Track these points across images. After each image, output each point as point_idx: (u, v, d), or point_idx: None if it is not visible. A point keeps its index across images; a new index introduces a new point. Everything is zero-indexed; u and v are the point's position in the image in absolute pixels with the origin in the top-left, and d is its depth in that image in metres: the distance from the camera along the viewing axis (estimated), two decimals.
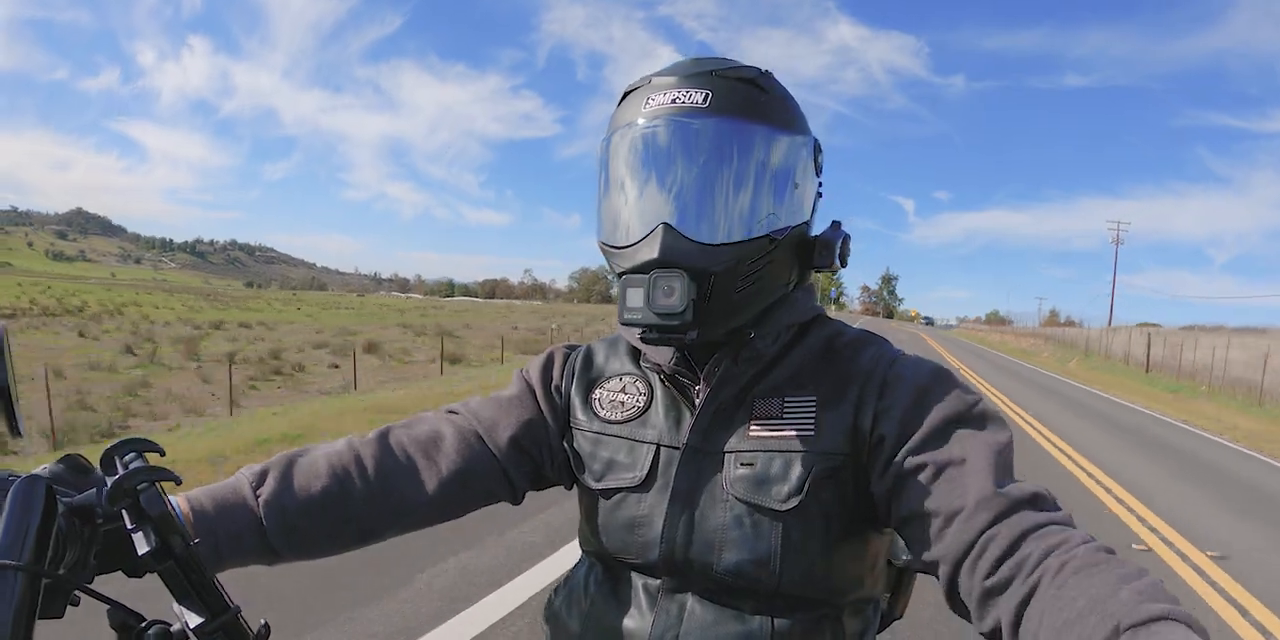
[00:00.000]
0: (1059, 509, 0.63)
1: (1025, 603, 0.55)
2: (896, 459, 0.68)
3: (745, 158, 0.70)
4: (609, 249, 0.74)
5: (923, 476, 0.66)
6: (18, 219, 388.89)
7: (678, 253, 0.68)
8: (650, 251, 0.68)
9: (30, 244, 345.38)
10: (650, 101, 0.72)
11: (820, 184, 0.79)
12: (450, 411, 0.85)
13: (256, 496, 0.70)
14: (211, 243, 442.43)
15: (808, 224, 0.77)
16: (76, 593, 0.51)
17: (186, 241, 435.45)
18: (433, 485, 0.77)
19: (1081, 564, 0.54)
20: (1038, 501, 0.62)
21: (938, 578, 0.65)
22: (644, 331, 0.69)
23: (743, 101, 0.71)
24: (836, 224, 0.78)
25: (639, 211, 0.71)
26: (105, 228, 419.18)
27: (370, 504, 0.74)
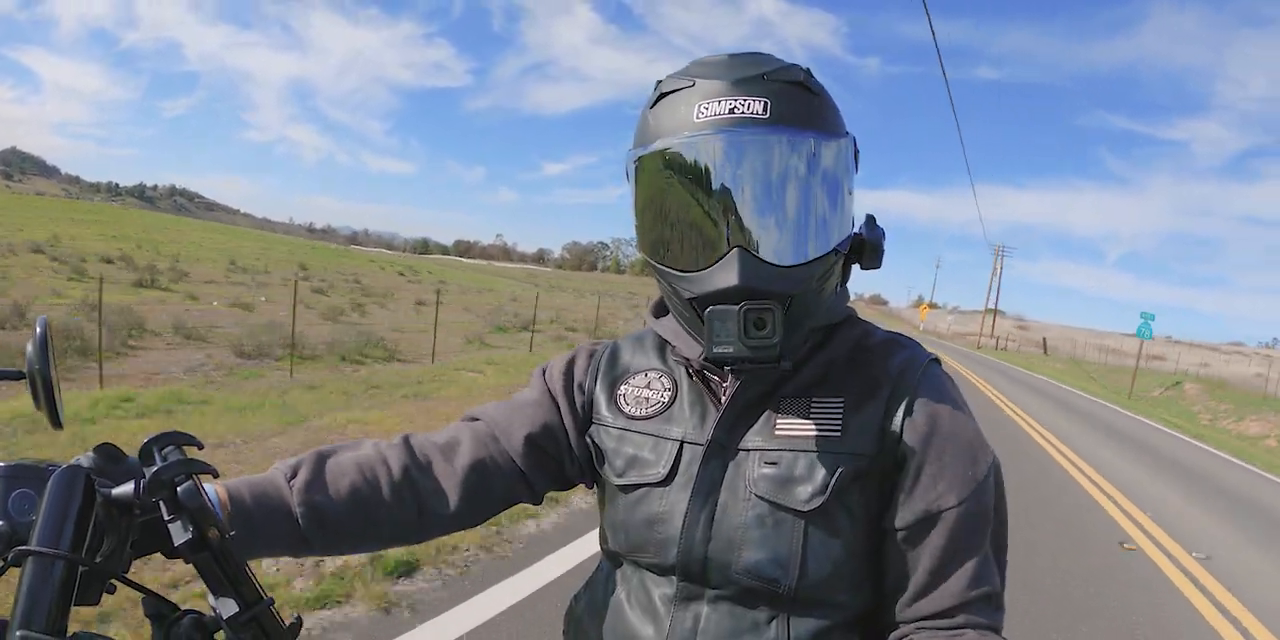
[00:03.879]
0: (1000, 610, 0.70)
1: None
2: (899, 498, 0.71)
3: (811, 173, 0.69)
4: (668, 270, 0.72)
5: (913, 539, 0.70)
6: None
7: (758, 278, 0.67)
8: (728, 278, 0.67)
9: None
10: (702, 110, 0.68)
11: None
12: (471, 418, 0.86)
13: (290, 487, 0.72)
14: (155, 187, 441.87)
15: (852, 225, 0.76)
16: (112, 581, 0.53)
17: (131, 186, 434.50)
18: (452, 486, 0.79)
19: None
20: (991, 601, 0.70)
21: (887, 604, 0.73)
22: (736, 362, 0.68)
23: (800, 108, 0.69)
24: (872, 219, 0.78)
25: (703, 233, 0.69)
26: (42, 168, 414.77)
27: (398, 504, 0.76)
